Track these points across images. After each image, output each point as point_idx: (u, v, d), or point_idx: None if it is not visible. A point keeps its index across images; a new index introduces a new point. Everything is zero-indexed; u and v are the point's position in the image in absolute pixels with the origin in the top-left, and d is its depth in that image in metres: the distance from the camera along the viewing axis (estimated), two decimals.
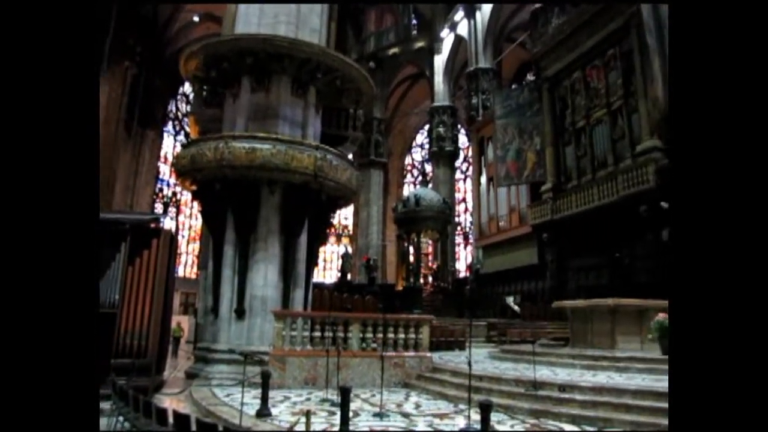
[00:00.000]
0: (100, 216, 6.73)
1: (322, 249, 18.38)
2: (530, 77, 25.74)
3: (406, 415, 6.62)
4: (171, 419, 4.22)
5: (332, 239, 39.16)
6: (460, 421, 6.15)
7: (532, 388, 7.14)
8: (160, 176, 33.79)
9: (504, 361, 11.04)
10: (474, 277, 27.05)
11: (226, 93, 12.01)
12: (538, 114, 22.92)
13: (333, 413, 6.52)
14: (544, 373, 8.25)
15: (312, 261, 12.01)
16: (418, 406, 7.45)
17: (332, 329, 9.54)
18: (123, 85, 26.73)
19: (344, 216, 40.68)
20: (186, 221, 35.25)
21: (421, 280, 26.67)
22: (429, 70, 34.16)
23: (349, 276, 27.69)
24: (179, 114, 35.69)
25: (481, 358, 11.28)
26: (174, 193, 34.28)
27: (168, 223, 31.94)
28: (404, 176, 43.86)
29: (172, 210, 34.37)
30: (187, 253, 34.20)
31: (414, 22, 35.56)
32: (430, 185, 30.84)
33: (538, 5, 23.60)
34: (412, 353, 9.79)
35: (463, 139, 36.45)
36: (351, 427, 5.55)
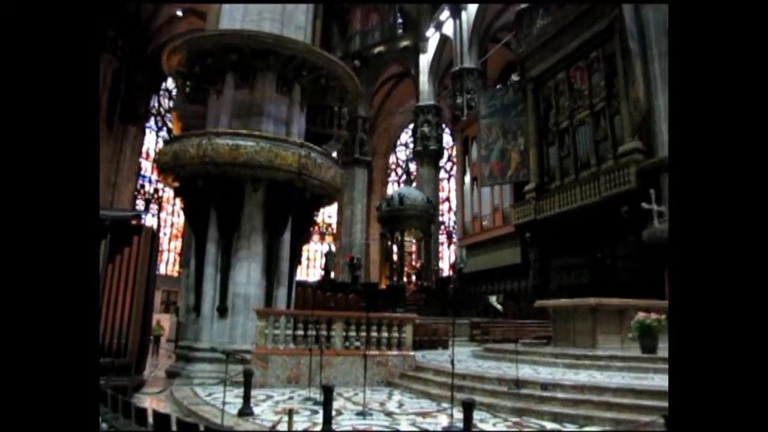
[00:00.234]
0: None
1: (305, 247, 18.31)
2: (515, 77, 25.87)
3: (389, 414, 6.62)
4: (151, 419, 4.15)
5: (316, 237, 39.03)
6: (443, 420, 6.17)
7: (514, 387, 7.18)
8: (142, 173, 33.38)
9: (487, 359, 11.09)
10: (457, 276, 27.15)
11: (209, 89, 11.89)
12: (522, 114, 23.08)
13: (316, 412, 6.50)
14: (526, 371, 8.31)
15: (295, 259, 11.95)
16: (401, 404, 7.45)
17: (315, 328, 9.50)
18: (103, 80, 26.33)
19: (328, 214, 40.58)
20: (168, 218, 34.87)
21: (405, 279, 26.71)
22: (414, 70, 34.19)
23: (332, 274, 27.58)
24: (162, 110, 35.27)
25: (464, 357, 11.31)
26: (156, 190, 33.89)
27: (150, 220, 31.62)
28: (388, 175, 43.88)
29: (153, 207, 33.99)
30: (169, 250, 33.83)
31: (399, 21, 35.58)
32: (414, 184, 30.88)
33: (523, 6, 23.76)
34: (395, 352, 9.79)
35: (447, 139, 36.58)
36: (334, 426, 5.53)
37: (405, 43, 34.86)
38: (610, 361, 8.93)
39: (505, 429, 5.85)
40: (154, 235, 10.24)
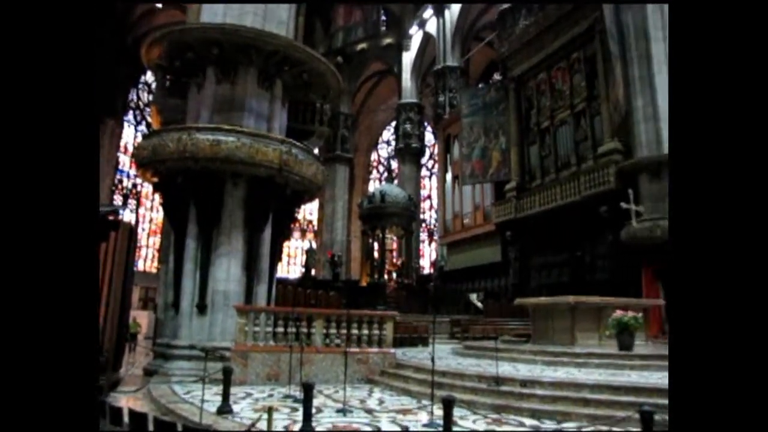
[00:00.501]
0: None
1: (286, 244, 18.17)
2: (497, 77, 26.06)
3: (369, 411, 6.61)
4: (126, 419, 4.07)
5: (296, 234, 38.84)
6: (423, 417, 6.18)
7: (494, 384, 7.23)
8: (120, 167, 32.82)
9: (467, 357, 11.15)
10: (438, 273, 27.24)
11: (190, 83, 11.72)
12: (504, 113, 23.22)
13: (296, 409, 6.47)
14: (506, 369, 8.38)
15: (276, 256, 11.87)
16: (381, 401, 7.45)
17: (296, 325, 9.46)
18: None
19: (309, 211, 40.42)
20: (147, 214, 34.38)
21: (386, 277, 26.70)
22: (397, 67, 34.19)
23: (313, 271, 27.47)
24: (141, 103, 34.72)
25: (445, 354, 11.36)
26: (134, 185, 33.36)
27: (128, 216, 31.10)
28: (370, 172, 43.84)
29: (132, 202, 33.45)
30: (147, 246, 33.37)
31: (383, 18, 35.52)
32: (396, 182, 30.90)
33: (506, 6, 23.89)
34: (375, 349, 9.79)
35: (429, 137, 36.67)
36: (314, 424, 5.50)
37: (388, 40, 34.83)
38: (588, 358, 9.05)
39: (484, 426, 5.88)
40: (132, 230, 10.07)
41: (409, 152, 32.93)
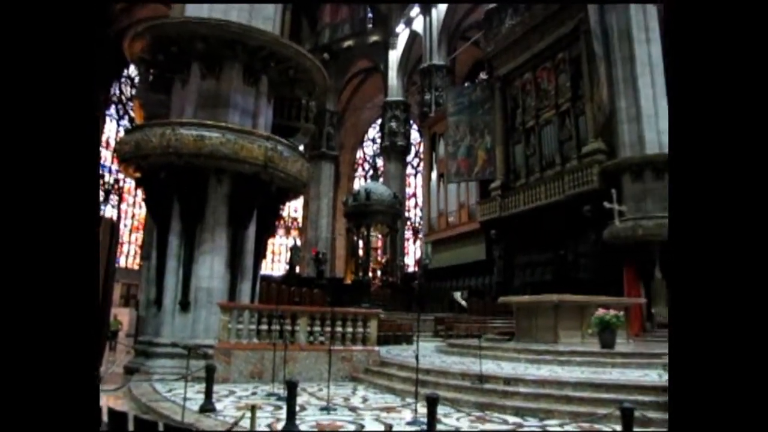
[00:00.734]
0: None
1: (270, 241, 18.09)
2: (483, 76, 26.16)
3: (353, 409, 6.60)
4: (105, 417, 4.01)
5: (281, 231, 38.68)
6: (407, 415, 6.19)
7: (478, 382, 7.26)
8: (102, 162, 32.36)
9: (451, 355, 11.19)
10: (422, 271, 27.32)
11: (174, 78, 11.56)
12: (490, 112, 23.33)
13: (279, 407, 6.43)
14: (489, 367, 8.41)
15: (260, 253, 11.79)
16: (365, 399, 7.44)
17: (280, 322, 9.41)
18: None
19: (294, 208, 40.28)
20: (129, 209, 33.96)
21: (370, 275, 26.71)
22: (383, 65, 34.15)
23: (297, 269, 27.42)
24: (123, 97, 34.26)
25: (429, 352, 11.39)
26: (116, 180, 32.91)
27: (109, 212, 30.68)
28: (355, 170, 43.79)
29: (113, 198, 33.00)
30: (129, 242, 32.99)
31: (370, 16, 35.43)
32: (381, 180, 30.88)
33: (492, 5, 23.98)
34: (359, 347, 9.78)
35: (414, 135, 36.69)
36: (297, 422, 5.48)
37: (375, 38, 34.77)
38: (571, 356, 9.13)
39: (468, 423, 5.90)
40: (113, 226, 9.88)
41: (394, 150, 32.94)
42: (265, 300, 13.09)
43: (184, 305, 10.12)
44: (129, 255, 32.65)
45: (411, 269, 33.57)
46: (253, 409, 5.05)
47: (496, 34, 23.26)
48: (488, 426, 5.83)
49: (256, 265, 11.56)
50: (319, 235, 34.50)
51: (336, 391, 7.86)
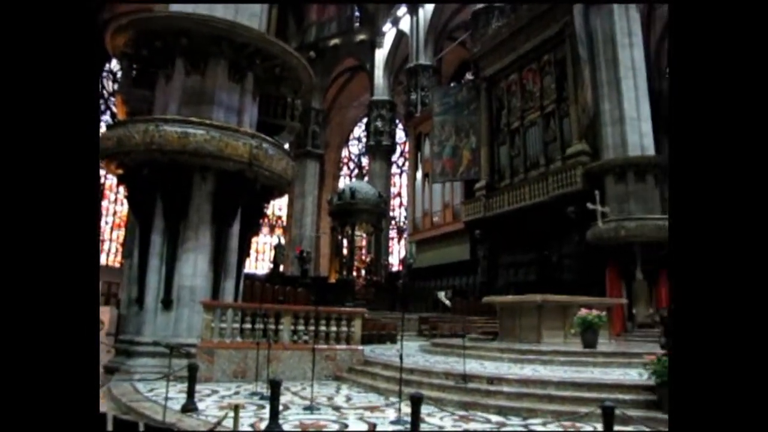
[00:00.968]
0: None
1: (254, 239, 17.98)
2: (469, 76, 26.24)
3: (337, 408, 6.58)
4: None
5: (265, 230, 38.45)
6: (391, 414, 6.19)
7: (461, 381, 7.29)
8: None
9: (435, 354, 11.22)
10: (407, 271, 27.31)
11: (158, 73, 11.41)
12: (475, 113, 23.43)
13: (262, 407, 6.40)
14: (473, 366, 8.45)
15: (244, 251, 11.70)
16: (349, 399, 7.43)
17: (263, 321, 9.36)
18: None
19: (278, 206, 40.05)
20: (110, 207, 33.48)
21: (354, 274, 26.67)
22: (369, 64, 34.10)
23: (281, 267, 27.23)
24: (105, 92, 33.77)
25: (413, 352, 11.41)
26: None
27: None
28: (340, 169, 43.67)
29: None
30: (110, 240, 32.54)
31: (357, 14, 35.39)
32: (366, 179, 30.86)
33: (479, 6, 24.09)
34: (343, 346, 9.77)
35: (400, 134, 36.71)
36: (281, 421, 5.45)
37: (361, 36, 34.70)
38: (554, 356, 9.21)
39: (452, 423, 5.92)
40: None
41: (379, 149, 32.92)
42: (249, 299, 13.00)
43: (167, 303, 10.00)
44: (110, 253, 32.21)
45: (395, 269, 33.59)
46: (236, 408, 5.01)
47: (482, 35, 23.37)
48: (472, 425, 5.86)
49: (240, 264, 11.47)
50: (304, 233, 34.37)
51: (320, 390, 7.84)
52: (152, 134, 9.60)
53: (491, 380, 7.25)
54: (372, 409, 6.64)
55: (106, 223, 32.13)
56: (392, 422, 5.79)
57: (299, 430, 5.47)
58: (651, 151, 16.62)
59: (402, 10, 31.71)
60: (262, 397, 6.97)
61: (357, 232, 26.89)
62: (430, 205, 26.13)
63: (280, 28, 20.06)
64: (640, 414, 5.74)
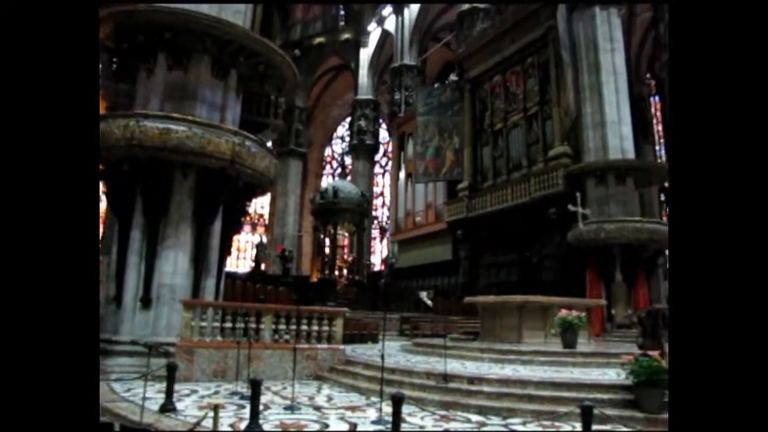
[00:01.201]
0: None
1: (236, 238, 17.83)
2: (453, 77, 26.34)
3: (317, 408, 6.56)
4: None
5: (247, 228, 38.18)
6: (372, 414, 6.18)
7: (442, 381, 7.31)
8: None
9: (416, 354, 11.24)
10: (389, 271, 27.35)
11: (139, 67, 11.26)
12: (459, 114, 23.52)
13: (243, 407, 6.34)
14: (454, 366, 8.48)
15: (225, 249, 11.59)
16: (330, 398, 7.41)
17: (244, 320, 9.29)
18: None
19: (260, 205, 39.78)
20: None
21: (336, 273, 26.61)
22: (354, 63, 34.06)
23: (263, 266, 27.06)
24: None
25: (394, 352, 11.41)
26: None
27: None
28: (323, 167, 43.55)
29: None
30: None
31: (342, 13, 35.30)
32: (349, 178, 30.85)
33: (465, 8, 24.20)
34: (325, 345, 9.74)
35: (383, 134, 36.72)
36: (261, 421, 5.41)
37: (346, 35, 34.64)
38: (534, 356, 9.28)
39: (432, 422, 5.94)
40: None
41: (363, 149, 32.89)
42: (230, 297, 12.89)
43: (146, 302, 9.87)
44: None
45: (377, 268, 33.57)
46: (215, 408, 4.95)
47: (467, 37, 23.47)
48: (452, 425, 5.88)
49: (221, 262, 11.37)
50: (286, 232, 34.18)
51: (301, 389, 7.80)
52: (133, 129, 9.46)
53: (472, 380, 7.28)
54: (353, 408, 6.63)
55: None
56: (373, 422, 5.78)
57: (280, 430, 5.43)
58: (631, 154, 16.86)
59: (387, 9, 31.73)
60: (243, 397, 6.92)
61: (339, 232, 26.85)
62: (413, 205, 26.17)
63: (264, 26, 19.89)
64: (618, 413, 5.82)
